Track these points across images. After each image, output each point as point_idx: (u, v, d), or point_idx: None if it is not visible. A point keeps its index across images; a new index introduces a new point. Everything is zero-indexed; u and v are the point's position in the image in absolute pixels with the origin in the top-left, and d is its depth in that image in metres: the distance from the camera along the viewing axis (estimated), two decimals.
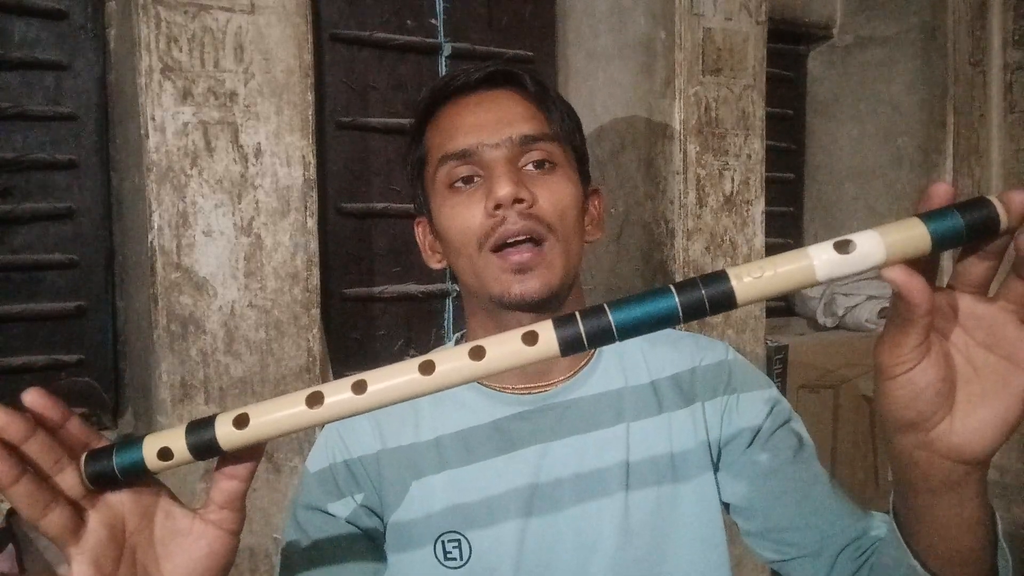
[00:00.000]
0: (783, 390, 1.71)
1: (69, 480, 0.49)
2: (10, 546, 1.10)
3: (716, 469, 0.77)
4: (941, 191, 0.44)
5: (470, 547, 0.72)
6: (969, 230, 0.43)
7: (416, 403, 0.78)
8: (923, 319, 0.44)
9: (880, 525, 0.70)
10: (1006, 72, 2.01)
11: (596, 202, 0.82)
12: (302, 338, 1.24)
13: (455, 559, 0.72)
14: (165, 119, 1.13)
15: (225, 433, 0.49)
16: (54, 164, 1.29)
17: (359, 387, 0.48)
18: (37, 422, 0.48)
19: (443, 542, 0.73)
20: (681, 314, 0.46)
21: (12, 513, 1.15)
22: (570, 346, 0.47)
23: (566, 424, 0.75)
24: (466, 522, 0.73)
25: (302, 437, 1.24)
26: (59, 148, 1.30)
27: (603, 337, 0.47)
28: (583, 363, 0.79)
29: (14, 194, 1.27)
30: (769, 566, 0.77)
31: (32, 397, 0.49)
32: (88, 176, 1.32)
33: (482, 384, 0.78)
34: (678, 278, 1.57)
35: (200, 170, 1.16)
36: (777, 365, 1.75)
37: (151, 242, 1.13)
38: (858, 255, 0.43)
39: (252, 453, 0.53)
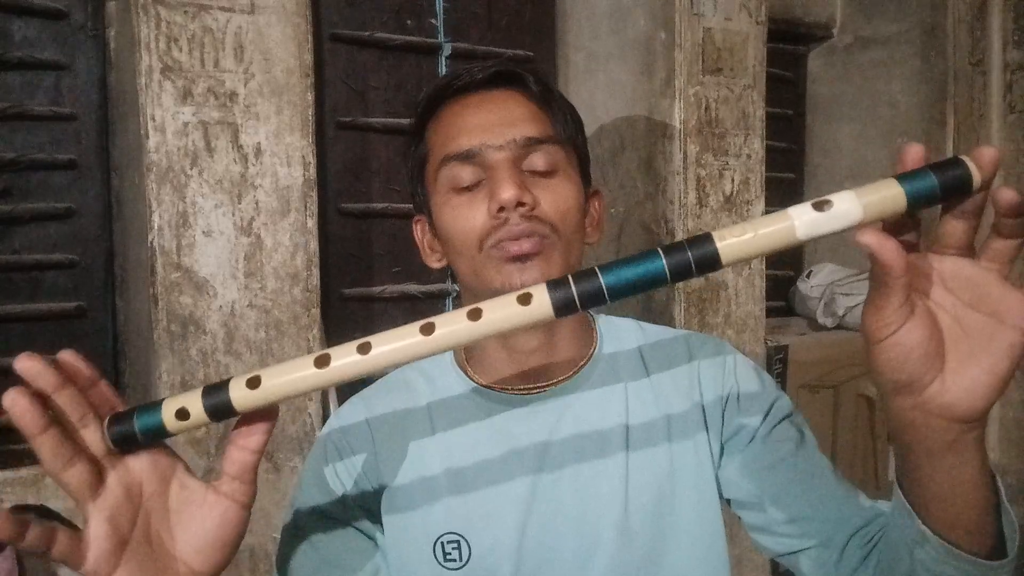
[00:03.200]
0: (783, 390, 1.71)
1: (92, 437, 0.51)
2: (10, 546, 1.10)
3: (718, 467, 0.77)
4: (914, 151, 0.46)
5: (469, 548, 0.72)
6: (943, 188, 0.45)
7: (415, 403, 0.78)
8: (899, 280, 0.45)
9: (885, 510, 0.69)
10: (1006, 72, 2.01)
11: (596, 204, 0.82)
12: (302, 338, 1.24)
13: (455, 560, 0.72)
14: (165, 119, 1.13)
15: (239, 395, 0.51)
16: (54, 164, 1.29)
17: (364, 348, 0.50)
18: (68, 378, 0.50)
19: (442, 543, 0.73)
20: (668, 275, 0.48)
21: (12, 512, 1.15)
22: (564, 307, 0.49)
23: (565, 424, 0.75)
24: (465, 523, 0.73)
25: (302, 437, 1.24)
26: (59, 148, 1.30)
27: (594, 298, 0.49)
28: (582, 362, 0.79)
29: (14, 194, 1.27)
30: (777, 560, 0.76)
31: (66, 355, 0.51)
32: (88, 176, 1.32)
33: (482, 384, 0.78)
34: None
35: (200, 170, 1.16)
36: (777, 365, 1.75)
37: (151, 242, 1.13)
38: (836, 214, 0.45)
39: (264, 416, 0.55)
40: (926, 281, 0.49)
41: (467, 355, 0.81)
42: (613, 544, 0.72)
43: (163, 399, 0.53)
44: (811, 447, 0.76)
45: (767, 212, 1.67)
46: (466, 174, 0.73)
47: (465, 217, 0.72)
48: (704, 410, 0.77)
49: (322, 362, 0.50)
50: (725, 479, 0.77)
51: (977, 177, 0.45)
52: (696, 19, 1.56)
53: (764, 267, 1.71)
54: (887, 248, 0.44)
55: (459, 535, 0.73)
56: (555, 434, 0.75)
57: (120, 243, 1.34)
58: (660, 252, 0.48)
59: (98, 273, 1.34)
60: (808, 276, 2.11)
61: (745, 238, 0.46)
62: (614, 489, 0.73)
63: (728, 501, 0.78)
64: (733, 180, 1.63)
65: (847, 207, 0.45)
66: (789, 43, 2.19)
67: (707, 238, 0.47)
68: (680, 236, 1.57)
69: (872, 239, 0.44)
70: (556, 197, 0.72)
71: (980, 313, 0.48)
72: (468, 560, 0.72)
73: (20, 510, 1.15)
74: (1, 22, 1.25)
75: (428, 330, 0.49)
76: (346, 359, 0.50)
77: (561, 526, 0.73)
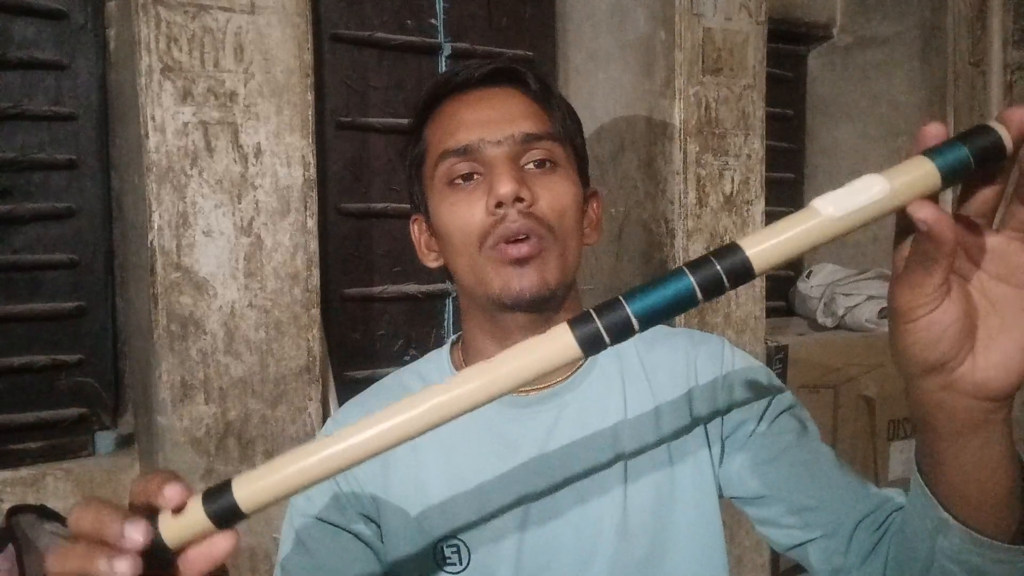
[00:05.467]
0: None
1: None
2: (10, 546, 1.10)
3: (720, 462, 0.77)
4: (934, 131, 0.44)
5: (469, 552, 0.72)
6: (976, 159, 0.42)
7: None
8: (949, 256, 0.43)
9: (894, 497, 0.69)
10: (1006, 72, 2.01)
11: (595, 205, 0.82)
12: (302, 338, 1.24)
13: (454, 564, 0.72)
14: (165, 119, 1.13)
15: (245, 496, 0.44)
16: (54, 164, 1.29)
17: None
18: None
19: (442, 548, 0.72)
20: (700, 294, 0.44)
21: (12, 513, 1.15)
22: (591, 345, 0.45)
23: (563, 425, 0.75)
24: (464, 527, 0.72)
25: (302, 437, 1.24)
26: (59, 148, 1.30)
27: (624, 331, 0.45)
28: (580, 363, 0.79)
29: (14, 194, 1.27)
30: (786, 553, 0.76)
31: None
32: (88, 176, 1.32)
33: None
34: None
35: (200, 170, 1.16)
36: (777, 365, 1.75)
37: (151, 242, 1.13)
38: (866, 199, 0.42)
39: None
40: (962, 257, 0.46)
41: (464, 357, 0.81)
42: (612, 545, 0.72)
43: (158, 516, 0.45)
44: (814, 438, 0.76)
45: (767, 212, 1.68)
46: (464, 170, 0.72)
47: (463, 213, 0.71)
48: (702, 406, 0.77)
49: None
50: (728, 475, 0.77)
51: (1009, 142, 0.42)
52: (696, 19, 1.56)
53: None
54: (942, 221, 0.41)
55: (458, 539, 0.72)
56: (553, 435, 0.75)
57: (120, 243, 1.34)
58: (685, 270, 0.44)
59: (98, 273, 1.34)
60: (808, 276, 2.12)
61: (778, 241, 0.43)
62: (613, 490, 0.73)
63: (731, 498, 0.78)
64: (733, 180, 1.63)
65: (879, 188, 0.42)
66: (789, 43, 2.19)
67: (734, 247, 0.43)
68: (680, 236, 1.57)
69: (928, 213, 0.41)
70: (554, 194, 0.72)
71: (1009, 286, 0.46)
72: (468, 564, 0.72)
73: (20, 510, 1.15)
74: (1, 22, 1.25)
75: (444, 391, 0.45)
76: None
77: (560, 528, 0.73)
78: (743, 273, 0.43)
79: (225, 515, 0.44)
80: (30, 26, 1.27)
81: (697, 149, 1.57)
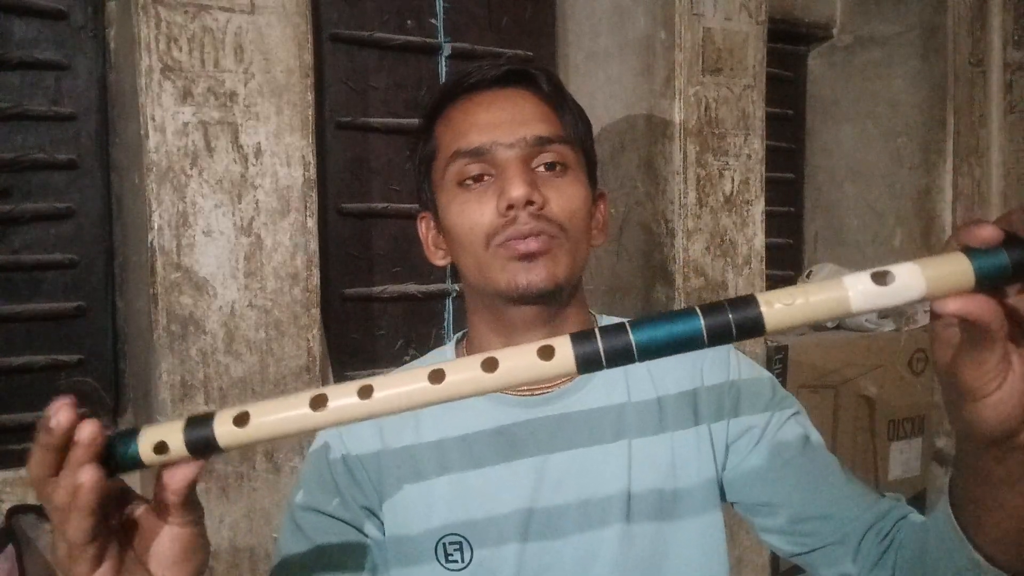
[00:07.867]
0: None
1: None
2: (10, 546, 1.10)
3: (723, 468, 0.77)
4: (986, 234, 0.42)
5: (471, 549, 0.72)
6: (1016, 269, 0.42)
7: None
8: (1000, 333, 0.43)
9: (898, 505, 0.70)
10: (1006, 72, 2.01)
11: (602, 206, 0.82)
12: (302, 338, 1.24)
13: (456, 561, 0.72)
14: (165, 119, 1.13)
15: (225, 432, 0.48)
16: (54, 164, 1.29)
17: (365, 392, 0.47)
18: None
19: (444, 544, 0.72)
20: (706, 337, 0.44)
21: (12, 513, 1.15)
22: (588, 363, 0.45)
23: (568, 426, 0.75)
24: (467, 524, 0.73)
25: (302, 436, 1.24)
26: (59, 148, 1.30)
27: (622, 356, 0.45)
28: None
29: (14, 194, 1.27)
30: (791, 560, 0.76)
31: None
32: (88, 176, 1.32)
33: None
34: (678, 278, 1.57)
35: (200, 170, 1.16)
36: (777, 365, 1.75)
37: (151, 242, 1.13)
38: (896, 288, 0.42)
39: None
40: (1015, 326, 0.46)
41: (468, 354, 0.81)
42: (615, 546, 0.72)
43: (139, 428, 0.50)
44: (818, 446, 0.76)
45: (767, 212, 1.68)
46: (475, 171, 0.72)
47: (473, 213, 0.72)
48: (707, 412, 0.77)
49: (318, 403, 0.47)
50: (733, 481, 0.77)
51: None
52: (696, 19, 1.56)
53: (764, 267, 1.71)
54: (978, 308, 0.42)
55: (461, 536, 0.72)
56: (557, 436, 0.75)
57: (120, 243, 1.34)
58: (698, 312, 0.45)
59: (98, 273, 1.34)
60: (808, 276, 2.11)
61: (796, 304, 0.43)
62: (616, 492, 0.73)
63: (735, 504, 0.78)
64: (733, 180, 1.63)
65: (909, 281, 0.42)
66: (789, 43, 2.19)
67: (751, 301, 0.44)
68: (680, 236, 1.57)
69: (959, 306, 0.42)
70: (564, 197, 0.72)
71: None
72: (470, 561, 0.72)
73: (20, 510, 1.15)
74: (1, 22, 1.25)
75: (437, 378, 0.46)
76: (344, 401, 0.47)
77: (563, 528, 0.73)
78: (753, 327, 0.44)
79: (201, 445, 0.48)
80: (30, 26, 1.27)
81: (697, 149, 1.57)
